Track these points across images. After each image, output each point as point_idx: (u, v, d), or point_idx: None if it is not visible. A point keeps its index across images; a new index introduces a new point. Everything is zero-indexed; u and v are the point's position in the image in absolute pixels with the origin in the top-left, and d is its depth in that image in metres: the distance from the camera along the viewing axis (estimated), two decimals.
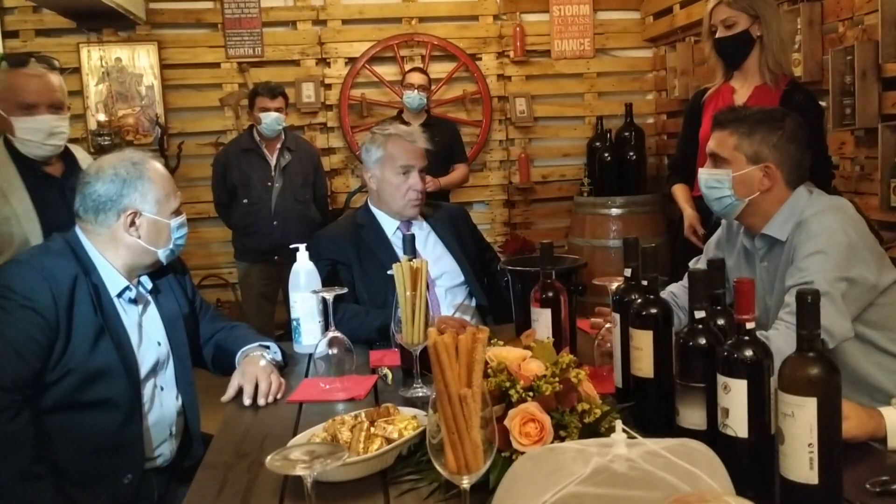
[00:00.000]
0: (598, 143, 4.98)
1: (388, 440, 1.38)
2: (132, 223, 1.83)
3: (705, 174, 1.92)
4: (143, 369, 1.85)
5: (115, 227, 1.82)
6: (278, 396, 1.81)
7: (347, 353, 1.86)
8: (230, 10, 5.03)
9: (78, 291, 1.76)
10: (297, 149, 4.26)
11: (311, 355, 1.98)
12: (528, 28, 5.32)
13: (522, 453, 1.18)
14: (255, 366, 1.87)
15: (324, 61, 5.20)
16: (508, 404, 1.27)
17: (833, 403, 1.12)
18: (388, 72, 5.19)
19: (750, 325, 1.20)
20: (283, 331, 3.68)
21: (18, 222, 2.30)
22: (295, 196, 4.18)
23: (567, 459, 1.01)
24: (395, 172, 2.43)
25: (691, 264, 2.10)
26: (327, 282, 2.20)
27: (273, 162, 4.17)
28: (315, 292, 2.03)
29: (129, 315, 1.86)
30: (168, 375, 1.93)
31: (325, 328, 1.94)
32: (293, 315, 2.17)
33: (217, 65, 5.09)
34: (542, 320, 1.76)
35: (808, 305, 1.13)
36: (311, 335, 2.13)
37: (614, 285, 1.67)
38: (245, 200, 4.16)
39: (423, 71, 4.65)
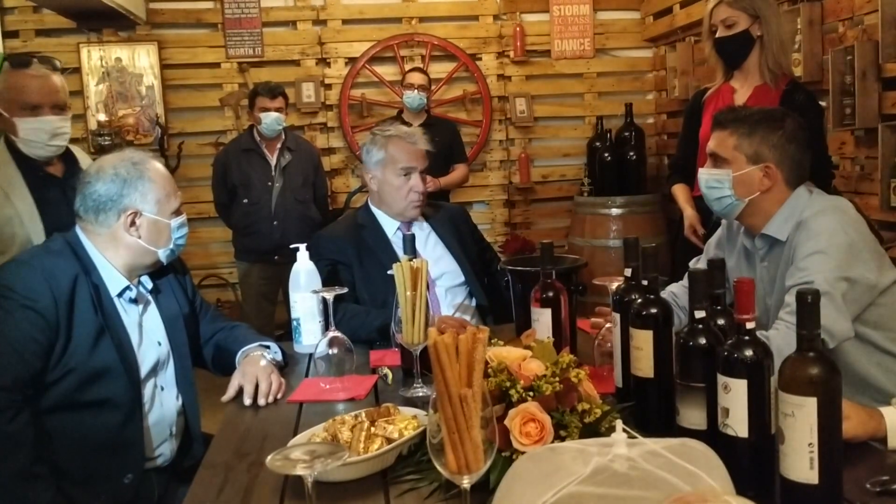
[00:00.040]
0: (598, 143, 4.98)
1: (389, 440, 1.38)
2: (132, 223, 1.83)
3: (705, 174, 1.92)
4: (144, 369, 1.85)
5: (115, 227, 1.82)
6: (278, 396, 1.81)
7: (348, 353, 1.86)
8: (230, 10, 5.03)
9: (78, 291, 1.76)
10: (297, 149, 4.26)
11: (311, 355, 1.98)
12: (528, 28, 5.32)
13: (523, 453, 1.18)
14: (255, 366, 1.87)
15: (324, 61, 5.20)
16: (509, 404, 1.27)
17: (833, 403, 1.12)
18: (388, 72, 5.19)
19: (750, 325, 1.20)
20: (284, 331, 3.67)
21: (21, 222, 2.30)
22: (295, 196, 4.18)
23: (567, 459, 1.01)
24: (396, 174, 2.43)
25: (691, 264, 2.10)
26: (327, 282, 2.20)
27: (273, 162, 4.17)
28: (315, 292, 2.03)
29: (129, 315, 1.86)
30: (168, 375, 1.93)
31: (326, 328, 1.94)
32: (293, 315, 2.17)
33: (217, 65, 5.10)
34: (543, 320, 1.76)
35: (809, 305, 1.13)
36: (312, 335, 2.13)
37: (614, 285, 1.67)
38: (245, 200, 4.16)
39: (423, 71, 4.65)
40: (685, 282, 1.93)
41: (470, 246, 2.63)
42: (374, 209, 2.52)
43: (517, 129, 5.42)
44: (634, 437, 1.04)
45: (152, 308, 1.94)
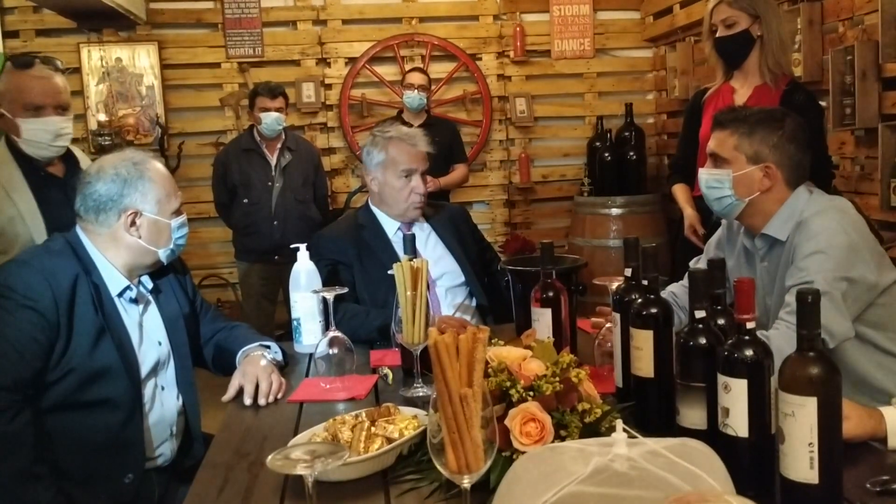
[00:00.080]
0: (598, 143, 4.98)
1: (389, 440, 1.38)
2: (133, 223, 1.83)
3: (705, 174, 1.92)
4: (144, 369, 1.85)
5: (115, 227, 1.82)
6: (279, 396, 1.82)
7: (348, 353, 1.86)
8: (230, 10, 5.03)
9: (79, 291, 1.76)
10: (297, 149, 4.26)
11: (311, 355, 1.98)
12: (528, 28, 5.33)
13: (523, 453, 1.18)
14: (255, 366, 1.87)
15: (324, 61, 5.20)
16: (509, 404, 1.28)
17: (833, 403, 1.12)
18: (388, 72, 5.19)
19: (750, 325, 1.20)
20: (284, 331, 3.68)
21: (23, 222, 2.31)
22: (295, 196, 4.18)
23: (567, 459, 1.01)
24: (397, 176, 2.43)
25: (691, 264, 2.10)
26: (328, 282, 2.20)
27: (273, 162, 4.17)
28: (315, 292, 2.03)
29: (129, 315, 1.86)
30: (169, 375, 1.93)
31: (326, 328, 1.94)
32: (294, 315, 2.17)
33: (217, 65, 5.10)
34: (543, 320, 1.76)
35: (809, 305, 1.13)
36: (312, 335, 2.13)
37: (614, 285, 1.67)
38: (245, 200, 4.16)
39: (424, 71, 4.65)
40: (685, 282, 1.93)
41: (470, 246, 2.63)
42: (374, 209, 2.52)
43: (517, 129, 5.42)
44: (635, 437, 1.05)
45: (153, 308, 1.94)
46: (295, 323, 2.17)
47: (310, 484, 1.10)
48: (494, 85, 5.34)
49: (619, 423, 1.05)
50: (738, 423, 1.20)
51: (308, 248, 2.19)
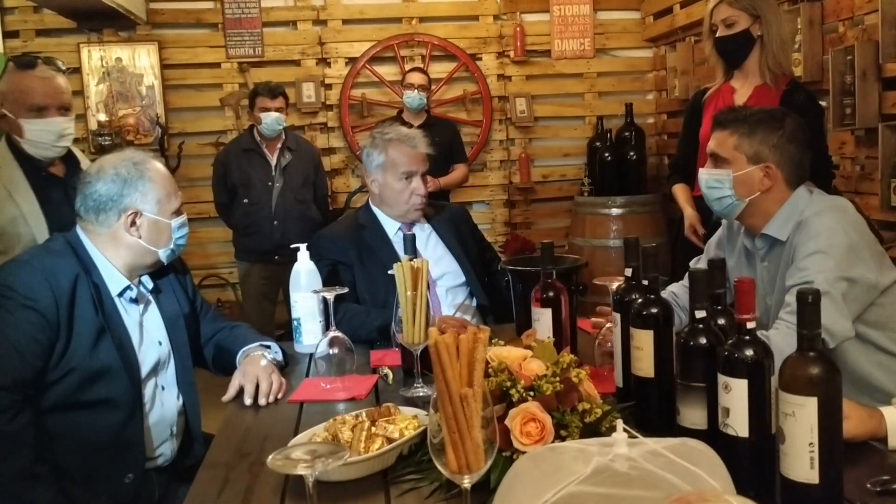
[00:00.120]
0: (598, 143, 4.98)
1: (389, 440, 1.38)
2: (133, 223, 1.83)
3: (706, 174, 1.92)
4: (144, 369, 1.85)
5: (115, 227, 1.82)
6: (279, 396, 1.82)
7: (348, 353, 1.86)
8: (230, 10, 5.03)
9: (79, 291, 1.76)
10: (297, 149, 4.26)
11: (311, 355, 1.98)
12: (528, 28, 5.32)
13: (523, 453, 1.18)
14: (255, 365, 1.87)
15: (324, 61, 5.20)
16: (509, 404, 1.28)
17: (834, 403, 1.12)
18: (388, 72, 5.19)
19: (750, 325, 1.20)
20: (284, 330, 3.68)
21: (26, 222, 2.31)
22: (295, 196, 4.18)
23: (568, 459, 1.01)
24: (398, 178, 2.43)
25: (692, 264, 2.10)
26: (328, 282, 2.20)
27: (273, 162, 4.17)
28: (316, 292, 2.03)
29: (129, 315, 1.87)
30: (169, 375, 1.93)
31: (326, 328, 1.94)
32: (294, 315, 2.17)
33: (217, 65, 5.10)
34: (543, 320, 1.76)
35: (809, 305, 1.13)
36: (312, 335, 2.13)
37: (615, 285, 1.67)
38: (245, 200, 4.16)
39: (424, 71, 4.65)
40: (685, 282, 1.93)
41: (470, 246, 2.63)
42: (374, 209, 2.52)
43: (517, 129, 5.42)
44: (635, 437, 1.05)
45: (153, 308, 1.94)
46: (295, 323, 2.17)
47: (310, 484, 1.10)
48: (494, 85, 5.34)
49: (620, 423, 1.05)
50: (738, 423, 1.20)
51: (308, 248, 2.19)
